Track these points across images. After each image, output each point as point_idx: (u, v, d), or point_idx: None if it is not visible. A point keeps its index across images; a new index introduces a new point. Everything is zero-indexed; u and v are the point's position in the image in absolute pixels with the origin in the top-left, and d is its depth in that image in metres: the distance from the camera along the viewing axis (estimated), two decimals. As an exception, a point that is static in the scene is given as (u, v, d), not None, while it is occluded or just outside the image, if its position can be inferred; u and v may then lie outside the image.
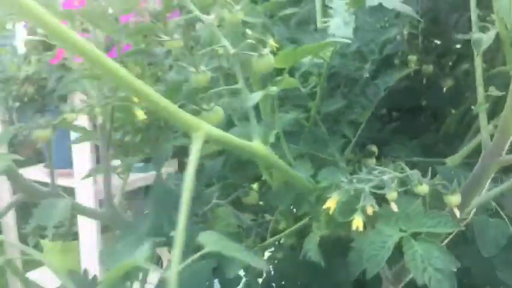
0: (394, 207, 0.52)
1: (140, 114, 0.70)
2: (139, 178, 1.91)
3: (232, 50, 0.53)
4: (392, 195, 0.52)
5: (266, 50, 0.52)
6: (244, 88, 0.54)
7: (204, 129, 0.47)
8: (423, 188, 0.53)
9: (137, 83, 0.43)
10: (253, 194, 0.77)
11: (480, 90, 0.57)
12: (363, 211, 0.50)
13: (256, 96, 0.55)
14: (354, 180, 0.54)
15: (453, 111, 0.94)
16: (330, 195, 0.53)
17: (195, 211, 0.80)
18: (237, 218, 0.74)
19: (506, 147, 0.55)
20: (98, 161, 1.38)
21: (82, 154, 1.70)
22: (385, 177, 0.53)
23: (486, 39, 0.53)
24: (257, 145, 0.53)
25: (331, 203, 0.52)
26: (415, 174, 0.53)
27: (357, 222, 0.50)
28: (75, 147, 1.71)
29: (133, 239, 0.67)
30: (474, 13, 0.57)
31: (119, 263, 0.58)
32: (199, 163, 0.45)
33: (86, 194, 1.71)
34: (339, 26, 0.62)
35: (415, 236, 0.48)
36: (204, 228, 0.76)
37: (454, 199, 0.54)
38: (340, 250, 0.75)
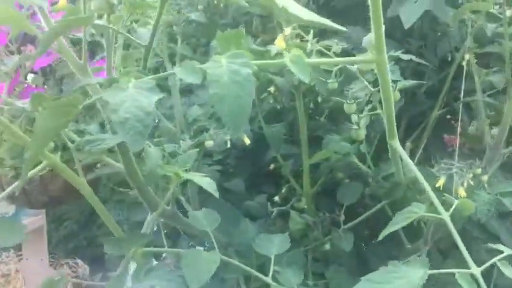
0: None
1: (247, 141, 0.92)
2: None
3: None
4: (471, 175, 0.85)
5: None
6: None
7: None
8: (478, 171, 0.87)
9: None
10: (303, 200, 1.02)
11: (482, 112, 0.94)
12: (462, 184, 0.83)
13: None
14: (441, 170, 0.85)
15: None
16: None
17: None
18: (301, 218, 0.99)
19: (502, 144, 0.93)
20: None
21: None
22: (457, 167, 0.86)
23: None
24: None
25: (440, 183, 0.83)
26: (472, 164, 0.88)
27: (461, 191, 0.82)
28: None
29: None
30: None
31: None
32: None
33: None
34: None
35: (501, 194, 0.82)
36: (279, 228, 1.00)
37: (485, 177, 0.90)
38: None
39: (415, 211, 0.67)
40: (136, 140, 0.50)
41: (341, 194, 0.98)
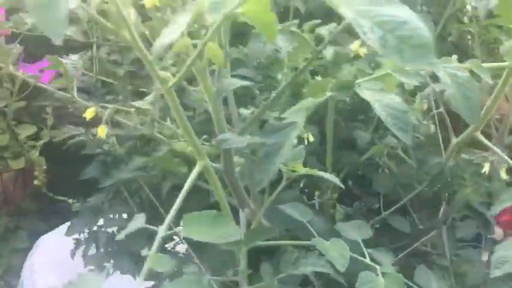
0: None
1: (311, 138, 0.99)
2: None
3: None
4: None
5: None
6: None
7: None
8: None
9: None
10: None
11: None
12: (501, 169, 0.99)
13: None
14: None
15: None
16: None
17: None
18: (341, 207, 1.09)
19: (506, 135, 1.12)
20: None
21: None
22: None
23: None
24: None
25: (486, 168, 0.98)
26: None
27: (503, 174, 0.98)
28: None
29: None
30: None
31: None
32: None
33: None
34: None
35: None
36: (322, 214, 1.08)
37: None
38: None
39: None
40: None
41: (377, 183, 1.09)
